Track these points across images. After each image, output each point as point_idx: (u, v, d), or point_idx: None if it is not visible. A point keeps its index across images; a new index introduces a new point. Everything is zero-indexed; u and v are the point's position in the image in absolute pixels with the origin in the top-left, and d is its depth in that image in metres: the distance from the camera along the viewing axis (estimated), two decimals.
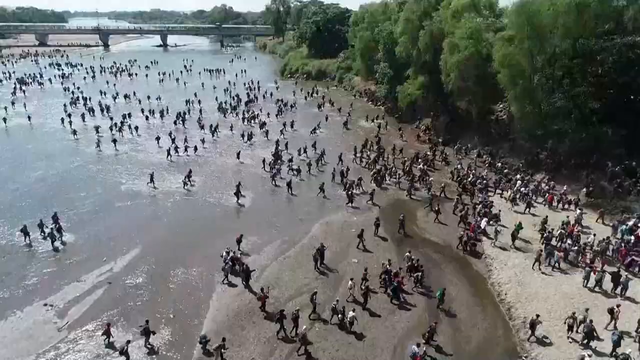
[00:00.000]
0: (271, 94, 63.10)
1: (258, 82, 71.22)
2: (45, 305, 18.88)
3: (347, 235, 25.20)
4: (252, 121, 49.12)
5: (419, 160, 36.03)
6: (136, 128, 44.86)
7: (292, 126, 46.20)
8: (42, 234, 24.35)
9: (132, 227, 25.89)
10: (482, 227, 24.82)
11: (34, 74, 77.62)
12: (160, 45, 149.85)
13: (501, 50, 31.50)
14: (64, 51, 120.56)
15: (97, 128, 44.02)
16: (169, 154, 37.44)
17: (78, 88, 65.42)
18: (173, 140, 39.81)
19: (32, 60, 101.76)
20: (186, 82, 73.33)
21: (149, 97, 58.61)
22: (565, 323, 16.89)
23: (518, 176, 31.44)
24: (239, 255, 21.84)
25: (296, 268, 21.78)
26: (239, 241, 22.90)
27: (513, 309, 18.79)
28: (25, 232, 23.96)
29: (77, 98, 58.08)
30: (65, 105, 53.36)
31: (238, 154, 37.45)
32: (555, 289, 19.72)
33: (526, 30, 29.62)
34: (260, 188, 31.94)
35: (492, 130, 39.85)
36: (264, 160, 35.27)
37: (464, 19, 38.11)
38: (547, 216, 25.44)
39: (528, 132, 34.02)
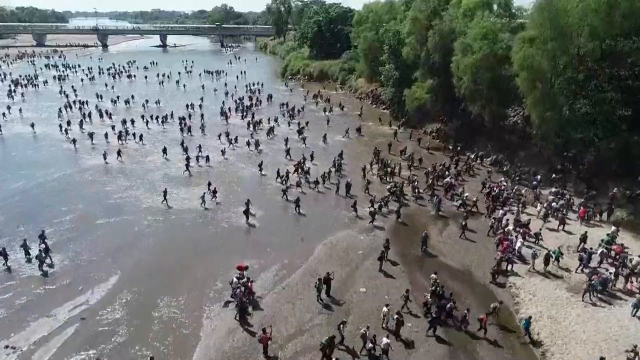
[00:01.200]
0: (270, 97, 60.40)
1: (261, 85, 68.67)
2: (7, 347, 16.35)
3: (354, 258, 22.62)
4: (257, 127, 45.90)
5: (447, 172, 32.42)
6: (141, 136, 41.53)
7: (301, 133, 43.07)
8: (27, 255, 22.02)
9: (115, 248, 23.30)
10: (517, 249, 22.07)
11: (29, 75, 75.25)
12: (159, 46, 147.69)
13: (521, 51, 28.86)
14: (61, 52, 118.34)
15: (91, 135, 41.26)
16: (187, 167, 33.91)
17: (75, 91, 62.67)
18: (186, 150, 36.67)
19: (27, 61, 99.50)
20: (185, 84, 70.72)
21: (147, 101, 55.74)
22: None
23: (553, 189, 28.56)
24: (249, 284, 19.31)
25: (296, 300, 19.21)
26: (242, 270, 20.22)
27: (549, 354, 16.16)
28: (3, 254, 21.55)
29: (74, 102, 55.32)
30: (60, 110, 50.73)
31: (260, 165, 34.02)
32: (595, 327, 17.10)
33: (550, 29, 27.00)
34: (268, 203, 28.84)
35: (506, 136, 37.30)
36: (278, 172, 32.20)
37: (476, 18, 35.59)
38: (586, 232, 22.77)
39: (548, 140, 31.54)
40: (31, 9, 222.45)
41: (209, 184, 29.71)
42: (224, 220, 26.68)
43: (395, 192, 29.03)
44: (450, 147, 39.41)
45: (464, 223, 24.67)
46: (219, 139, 41.19)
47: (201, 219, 26.82)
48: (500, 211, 26.37)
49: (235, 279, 19.42)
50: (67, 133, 42.44)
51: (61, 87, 65.37)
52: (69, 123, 44.43)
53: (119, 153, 36.50)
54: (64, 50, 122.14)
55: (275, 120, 47.57)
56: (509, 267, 21.30)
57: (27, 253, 22.14)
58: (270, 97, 60.51)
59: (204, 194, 28.37)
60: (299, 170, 32.71)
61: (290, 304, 18.94)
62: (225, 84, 68.56)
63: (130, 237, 24.60)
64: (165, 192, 28.42)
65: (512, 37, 33.48)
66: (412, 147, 38.90)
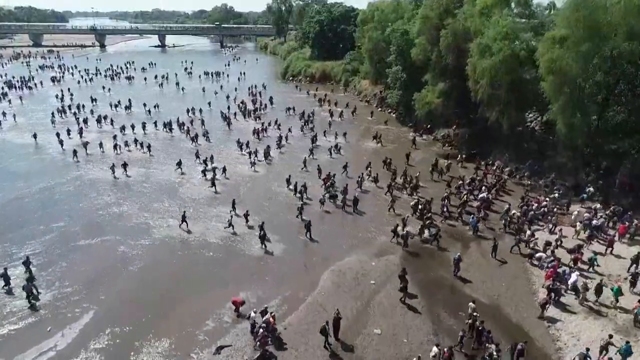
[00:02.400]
0: (271, 100, 57.63)
1: (264, 87, 65.86)
2: None
3: (365, 289, 19.82)
4: (262, 134, 42.73)
5: (484, 187, 29.28)
6: (149, 146, 38.01)
7: (313, 141, 40.24)
8: (7, 287, 19.41)
9: (95, 276, 20.41)
10: (573, 282, 18.85)
11: (23, 77, 72.33)
12: (158, 46, 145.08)
13: (549, 53, 26.04)
14: (58, 52, 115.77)
15: (85, 144, 38.15)
16: (213, 183, 30.16)
17: (72, 95, 59.62)
18: (205, 162, 33.68)
19: (22, 62, 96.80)
20: (184, 87, 67.83)
21: (145, 105, 52.65)
22: None
23: (598, 205, 25.63)
24: (270, 319, 16.48)
25: (300, 344, 16.40)
26: (237, 305, 17.79)
27: None
28: None
29: (68, 106, 52.24)
30: (52, 114, 47.80)
31: (288, 180, 30.44)
32: None
33: (583, 29, 24.19)
34: (280, 223, 25.65)
35: (525, 144, 34.55)
36: (295, 185, 29.43)
37: (495, 17, 32.78)
38: (638, 252, 20.01)
39: (576, 150, 28.86)
40: (29, 9, 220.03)
41: (234, 203, 26.51)
42: (225, 243, 23.70)
43: (423, 210, 25.77)
44: (464, 156, 36.62)
45: (496, 243, 22.19)
46: (241, 149, 37.70)
47: (197, 242, 23.86)
48: (528, 231, 23.65)
49: (253, 314, 16.73)
50: (62, 144, 38.72)
51: (61, 90, 61.97)
52: (68, 132, 41.02)
53: (124, 166, 33.14)
54: (61, 51, 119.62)
55: (301, 130, 44.76)
56: (555, 298, 18.52)
57: (6, 283, 19.46)
58: (271, 100, 57.70)
59: (231, 217, 25.01)
60: (327, 185, 29.56)
61: (293, 349, 16.15)
62: (222, 87, 65.82)
63: (114, 263, 21.70)
64: (184, 216, 24.88)
65: (534, 38, 30.82)
66: (429, 156, 35.94)
